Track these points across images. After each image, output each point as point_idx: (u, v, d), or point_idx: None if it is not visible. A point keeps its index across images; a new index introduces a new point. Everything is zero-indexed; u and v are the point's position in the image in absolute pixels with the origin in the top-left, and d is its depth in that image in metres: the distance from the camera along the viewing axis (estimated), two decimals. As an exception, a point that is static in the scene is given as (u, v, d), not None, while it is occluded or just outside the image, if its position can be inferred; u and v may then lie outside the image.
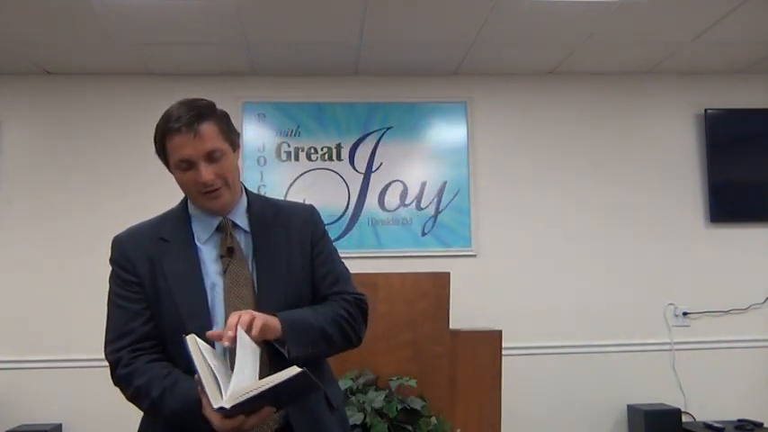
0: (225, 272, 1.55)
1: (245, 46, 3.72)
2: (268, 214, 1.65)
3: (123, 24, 3.41)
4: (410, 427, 2.76)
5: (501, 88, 4.23)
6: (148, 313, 1.54)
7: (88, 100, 4.06)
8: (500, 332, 3.14)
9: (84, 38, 3.56)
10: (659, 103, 4.27)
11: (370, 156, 4.13)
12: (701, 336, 4.08)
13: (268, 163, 4.08)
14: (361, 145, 4.13)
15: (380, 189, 4.11)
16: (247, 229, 1.62)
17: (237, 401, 1.27)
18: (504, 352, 3.14)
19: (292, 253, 1.61)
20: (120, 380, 1.52)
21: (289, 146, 4.11)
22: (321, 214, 1.76)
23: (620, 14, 3.41)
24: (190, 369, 1.39)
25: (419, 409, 2.80)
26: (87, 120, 4.05)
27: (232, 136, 1.61)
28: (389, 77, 4.17)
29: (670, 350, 4.06)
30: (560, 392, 3.99)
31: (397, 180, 4.12)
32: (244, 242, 1.61)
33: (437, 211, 4.09)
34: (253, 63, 3.97)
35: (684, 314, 4.08)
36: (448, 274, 3.11)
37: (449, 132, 4.17)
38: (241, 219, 1.63)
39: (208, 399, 1.32)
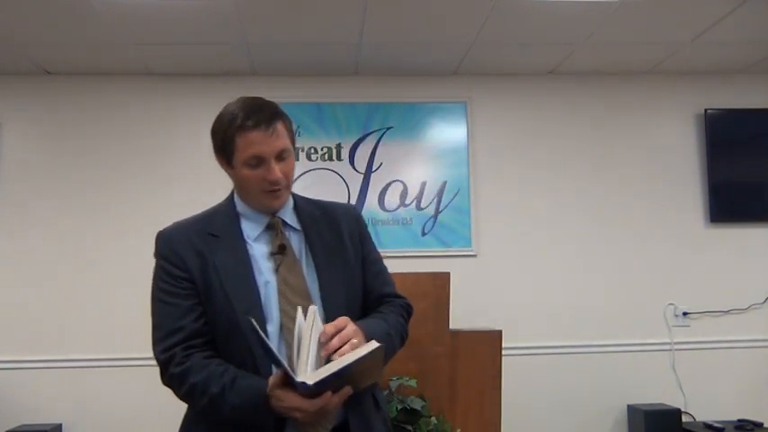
0: (277, 269, 1.55)
1: (245, 46, 3.72)
2: (315, 213, 1.67)
3: (123, 24, 3.41)
4: (410, 427, 2.77)
5: (501, 88, 4.23)
6: (200, 309, 1.51)
7: (88, 100, 4.06)
8: (500, 332, 3.14)
9: (84, 38, 3.56)
10: (659, 103, 4.27)
11: (370, 156, 4.13)
12: (701, 336, 4.08)
13: (268, 163, 4.08)
14: (361, 145, 4.13)
15: (380, 189, 4.11)
16: (298, 227, 1.63)
17: (321, 377, 1.28)
18: (504, 352, 3.14)
19: (345, 251, 1.63)
20: (172, 378, 1.48)
21: (289, 146, 4.10)
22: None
23: (620, 14, 3.41)
24: (242, 365, 1.43)
25: (419, 409, 2.80)
26: (87, 120, 4.04)
27: (294, 138, 1.63)
28: (389, 77, 4.17)
29: (670, 350, 4.06)
30: (560, 392, 3.99)
31: (397, 180, 4.12)
32: (295, 240, 1.62)
33: (437, 211, 4.09)
34: (253, 63, 3.97)
35: (684, 314, 4.08)
36: (448, 274, 3.11)
37: (449, 132, 4.17)
38: (290, 217, 1.64)
39: (280, 380, 1.33)
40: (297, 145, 4.09)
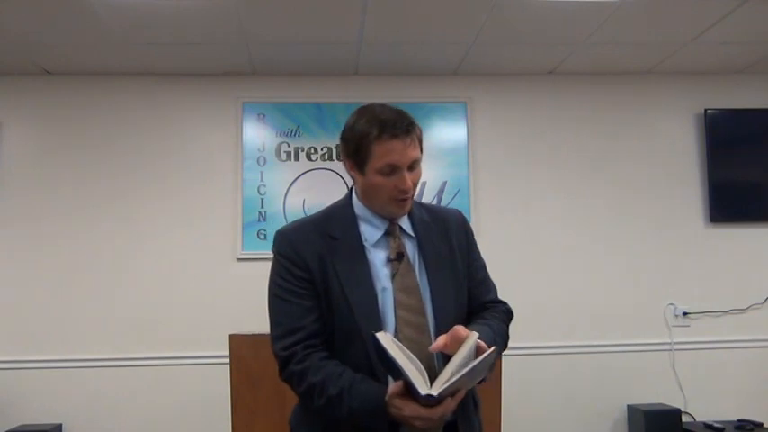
0: (394, 276, 1.58)
1: (245, 46, 3.72)
2: (426, 218, 1.71)
3: (123, 24, 3.41)
4: (410, 427, 2.76)
5: (501, 88, 4.23)
6: (319, 310, 1.56)
7: (88, 100, 4.06)
8: (500, 332, 3.14)
9: (84, 38, 3.56)
10: (659, 103, 4.27)
11: (371, 156, 4.12)
12: (700, 336, 4.08)
13: (268, 163, 4.08)
14: (362, 145, 4.13)
15: (380, 189, 4.10)
16: (412, 233, 1.66)
17: (444, 387, 1.32)
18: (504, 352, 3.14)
19: (455, 258, 1.67)
20: (292, 375, 1.53)
21: (289, 146, 4.11)
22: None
23: (620, 14, 3.41)
24: (358, 367, 1.49)
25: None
26: (87, 120, 4.05)
27: (422, 147, 1.65)
28: (389, 77, 4.17)
29: (670, 350, 4.06)
30: (560, 392, 3.99)
31: (397, 180, 4.11)
32: (409, 247, 1.65)
33: (437, 211, 4.09)
34: (253, 63, 3.97)
35: (684, 314, 4.08)
36: (448, 274, 3.11)
37: (449, 132, 4.17)
38: (405, 224, 1.67)
39: (400, 390, 1.38)
40: (297, 145, 4.11)
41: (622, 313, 4.07)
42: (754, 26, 3.60)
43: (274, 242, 1.63)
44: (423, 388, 1.32)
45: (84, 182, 3.99)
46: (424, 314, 1.57)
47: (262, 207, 4.03)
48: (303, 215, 4.09)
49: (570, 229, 4.13)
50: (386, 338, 1.41)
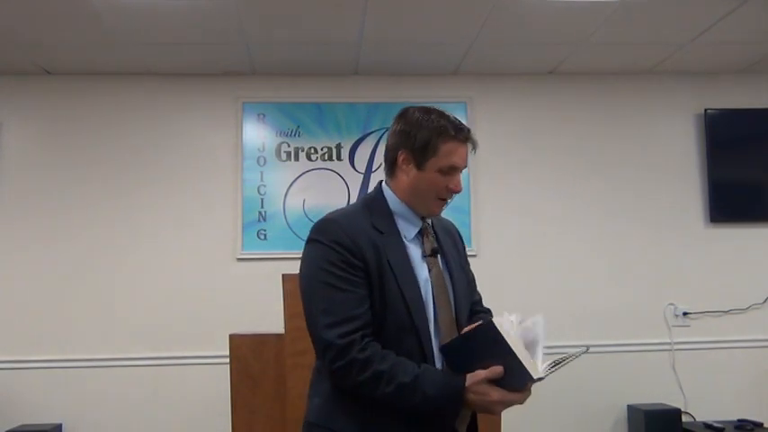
0: (430, 271, 1.63)
1: (245, 46, 3.72)
2: (436, 222, 1.78)
3: (123, 24, 3.41)
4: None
5: (501, 88, 4.23)
6: (370, 300, 1.55)
7: (88, 100, 4.06)
8: (500, 332, 3.14)
9: (84, 38, 3.57)
10: (659, 103, 4.27)
11: (370, 156, 4.13)
12: (700, 336, 4.08)
13: (268, 163, 4.08)
14: (361, 145, 4.13)
15: (380, 189, 4.10)
16: (432, 233, 1.72)
17: (548, 372, 1.49)
18: (504, 352, 3.14)
19: (461, 258, 1.78)
20: (353, 363, 1.48)
21: (289, 146, 4.11)
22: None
23: (620, 14, 3.41)
24: (410, 357, 1.52)
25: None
26: (87, 120, 4.05)
27: None
28: (389, 77, 4.17)
29: (670, 350, 4.06)
30: (560, 392, 3.98)
31: (397, 180, 4.11)
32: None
33: (437, 211, 4.09)
34: (253, 63, 3.97)
35: (684, 314, 4.08)
36: (448, 274, 3.11)
37: (449, 132, 4.16)
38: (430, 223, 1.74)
39: (484, 377, 1.46)
40: (297, 145, 4.12)
41: (622, 313, 4.06)
42: (754, 26, 3.60)
43: (322, 229, 1.59)
44: (534, 372, 1.43)
45: (84, 182, 3.99)
46: (451, 308, 1.64)
47: (262, 207, 4.04)
48: (303, 215, 4.13)
49: (570, 229, 4.13)
50: (501, 326, 1.45)
